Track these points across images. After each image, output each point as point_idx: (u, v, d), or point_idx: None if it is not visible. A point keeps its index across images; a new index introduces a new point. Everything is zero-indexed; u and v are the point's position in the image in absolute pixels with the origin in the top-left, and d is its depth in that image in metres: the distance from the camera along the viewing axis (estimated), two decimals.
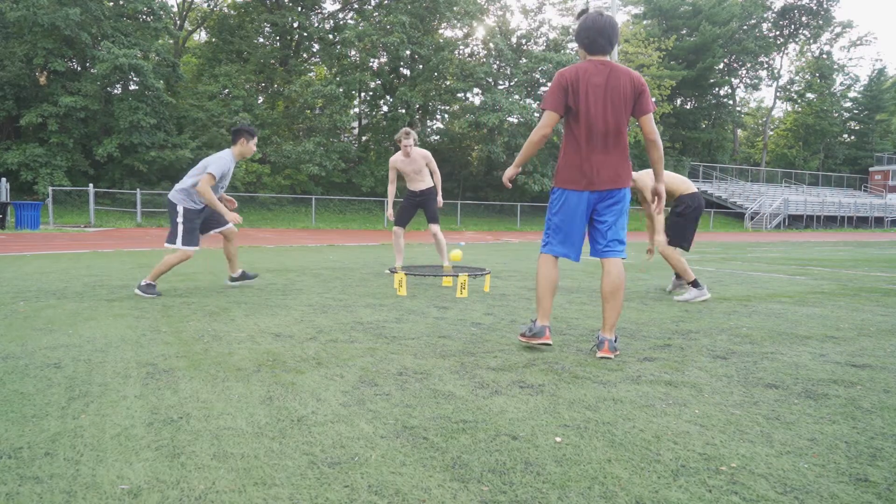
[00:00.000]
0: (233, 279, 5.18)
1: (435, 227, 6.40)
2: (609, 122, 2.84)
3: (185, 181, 4.70)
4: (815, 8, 44.56)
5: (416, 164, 6.32)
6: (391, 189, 6.47)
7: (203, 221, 4.85)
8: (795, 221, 34.90)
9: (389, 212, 6.51)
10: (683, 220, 4.92)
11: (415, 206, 6.50)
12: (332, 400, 2.16)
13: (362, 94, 29.38)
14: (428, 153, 6.40)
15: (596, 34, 2.86)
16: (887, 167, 45.00)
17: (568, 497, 1.46)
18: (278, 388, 2.28)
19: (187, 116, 23.38)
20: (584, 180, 2.88)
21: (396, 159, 6.30)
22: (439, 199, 6.45)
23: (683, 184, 5.01)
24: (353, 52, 26.89)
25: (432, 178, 6.46)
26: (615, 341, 2.91)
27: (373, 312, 4.02)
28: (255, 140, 4.89)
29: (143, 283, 4.58)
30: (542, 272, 3.01)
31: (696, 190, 5.02)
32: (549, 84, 29.79)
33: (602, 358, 2.83)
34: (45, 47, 20.20)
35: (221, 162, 4.66)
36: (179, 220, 4.65)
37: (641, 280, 6.33)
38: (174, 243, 4.67)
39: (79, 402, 2.09)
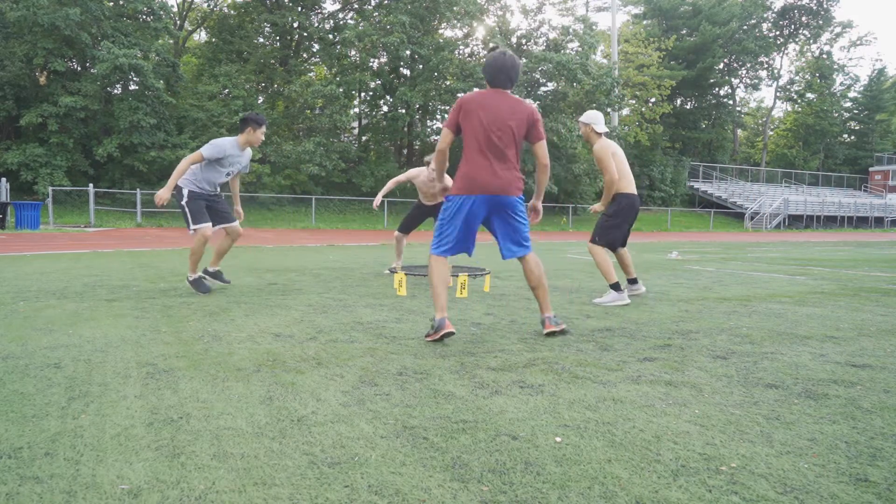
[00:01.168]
0: (207, 272, 5.01)
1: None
2: (499, 140, 3.18)
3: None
4: (815, 8, 44.53)
5: (435, 190, 6.26)
6: (391, 184, 6.31)
7: (212, 215, 4.80)
8: (795, 221, 34.90)
9: (377, 199, 6.30)
10: (611, 220, 4.70)
11: (423, 215, 6.45)
12: (332, 400, 2.16)
13: (362, 94, 29.34)
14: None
15: (497, 71, 3.22)
16: (887, 167, 44.99)
17: (568, 497, 1.46)
18: (278, 388, 2.28)
19: (187, 116, 23.35)
20: (477, 187, 3.20)
21: (418, 175, 6.16)
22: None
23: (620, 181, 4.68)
24: (353, 52, 26.85)
25: None
26: (555, 316, 3.36)
27: (373, 312, 4.02)
28: (264, 128, 4.72)
29: (189, 279, 4.76)
30: (437, 272, 3.26)
31: (633, 192, 4.72)
32: (548, 84, 29.52)
33: (550, 333, 3.28)
34: (45, 47, 20.17)
35: (217, 145, 4.59)
36: (184, 202, 4.67)
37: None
38: (189, 229, 4.70)
39: (79, 402, 2.09)
